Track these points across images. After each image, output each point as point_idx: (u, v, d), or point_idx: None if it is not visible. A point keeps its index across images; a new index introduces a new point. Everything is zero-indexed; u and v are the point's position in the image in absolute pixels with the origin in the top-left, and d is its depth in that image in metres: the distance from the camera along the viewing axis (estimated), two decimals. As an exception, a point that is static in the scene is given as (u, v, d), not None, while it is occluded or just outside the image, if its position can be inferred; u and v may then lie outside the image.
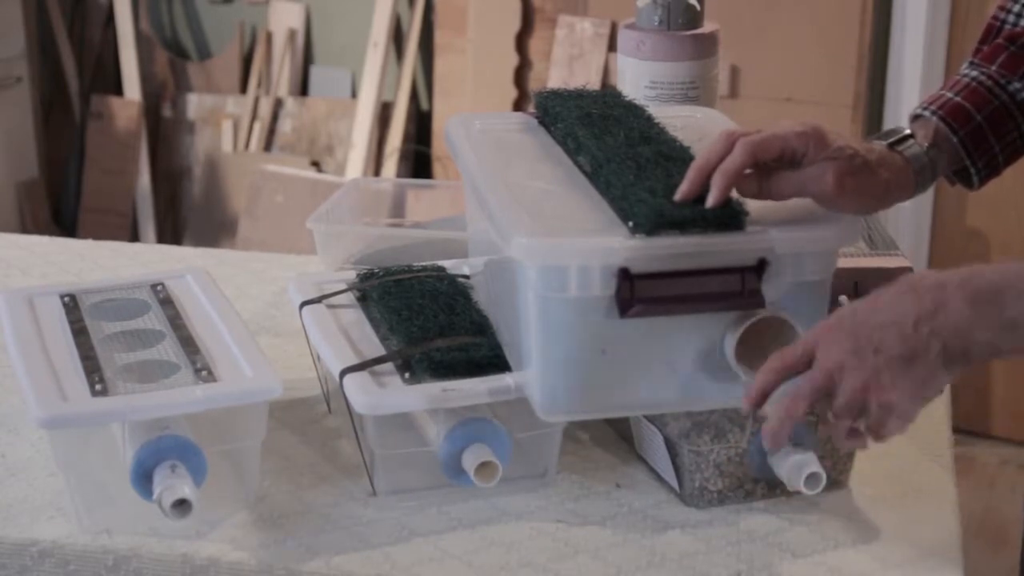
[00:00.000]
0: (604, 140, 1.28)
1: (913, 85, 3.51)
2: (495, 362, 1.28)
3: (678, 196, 1.17)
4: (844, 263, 1.35)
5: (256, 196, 4.09)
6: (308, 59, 4.33)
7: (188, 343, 1.33)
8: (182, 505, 1.19)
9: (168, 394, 1.23)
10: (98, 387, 1.24)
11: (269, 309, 1.73)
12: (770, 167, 1.20)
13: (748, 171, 1.18)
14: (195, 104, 4.37)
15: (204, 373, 1.27)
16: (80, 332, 1.36)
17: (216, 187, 4.32)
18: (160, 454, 1.21)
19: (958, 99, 1.32)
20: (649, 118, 1.35)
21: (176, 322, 1.38)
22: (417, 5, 4.10)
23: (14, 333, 1.36)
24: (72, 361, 1.30)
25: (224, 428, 1.26)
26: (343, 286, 1.46)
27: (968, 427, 3.60)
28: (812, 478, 1.26)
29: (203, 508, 1.21)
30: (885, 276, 1.47)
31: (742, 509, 1.30)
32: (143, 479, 1.21)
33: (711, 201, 1.16)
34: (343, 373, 1.28)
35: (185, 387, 1.24)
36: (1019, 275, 0.98)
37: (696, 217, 1.14)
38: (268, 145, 4.28)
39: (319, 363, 1.45)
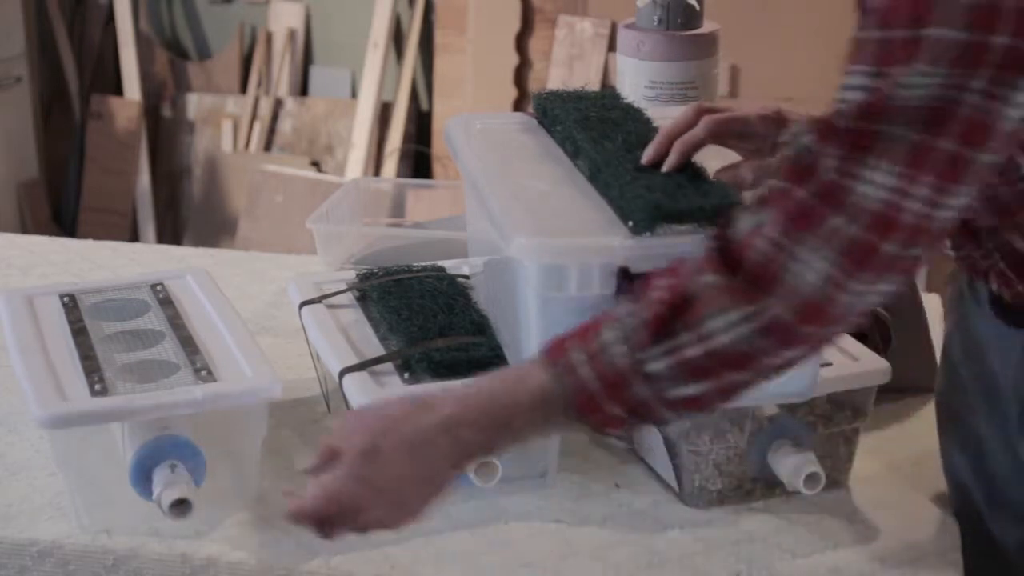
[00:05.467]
0: (603, 144, 1.28)
1: (913, 85, 3.51)
2: (495, 362, 1.28)
3: (644, 159, 1.23)
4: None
5: (256, 196, 4.09)
6: (308, 59, 4.33)
7: (188, 343, 1.33)
8: (182, 505, 1.19)
9: (168, 394, 1.23)
10: (98, 387, 1.24)
11: (269, 309, 1.73)
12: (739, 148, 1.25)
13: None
14: (195, 104, 4.37)
15: (204, 373, 1.27)
16: (80, 332, 1.36)
17: (216, 187, 4.32)
18: (160, 454, 1.21)
19: None
20: (648, 121, 1.35)
21: (176, 322, 1.38)
22: (417, 5, 4.10)
23: (14, 333, 1.36)
24: (72, 361, 1.30)
25: (224, 428, 1.26)
26: (343, 286, 1.46)
27: (968, 427, 3.59)
28: (811, 478, 1.26)
29: (203, 508, 1.21)
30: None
31: (741, 509, 1.30)
32: (143, 479, 1.21)
33: (666, 166, 1.21)
34: (343, 373, 1.28)
35: (185, 387, 1.24)
36: (511, 397, 1.03)
37: (693, 209, 1.14)
38: (268, 145, 4.28)
39: (319, 363, 1.45)
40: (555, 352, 1.03)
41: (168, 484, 1.19)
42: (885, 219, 0.93)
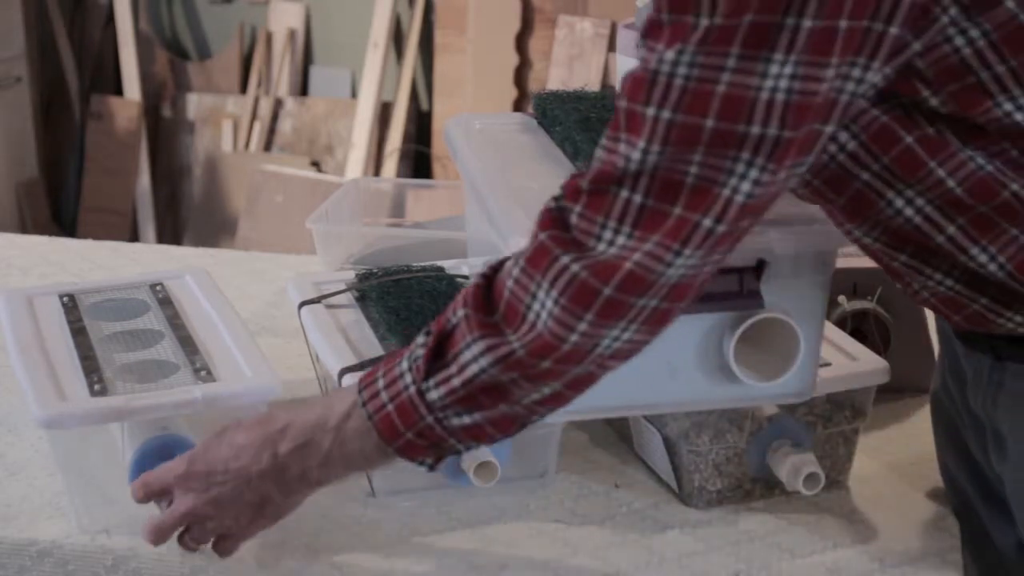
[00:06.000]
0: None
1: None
2: (494, 362, 1.28)
3: None
4: (843, 263, 1.36)
5: (256, 196, 4.09)
6: (308, 59, 4.33)
7: (187, 343, 1.33)
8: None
9: (167, 394, 1.23)
10: (97, 387, 1.24)
11: (269, 309, 1.73)
12: None
13: None
14: (195, 104, 4.37)
15: (203, 373, 1.27)
16: (79, 332, 1.36)
17: (216, 187, 4.32)
18: (159, 453, 1.21)
19: None
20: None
21: (175, 322, 1.38)
22: (417, 5, 4.10)
23: (13, 333, 1.36)
24: (71, 361, 1.30)
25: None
26: (342, 286, 1.46)
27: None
28: (810, 478, 1.26)
29: (202, 508, 1.21)
30: (884, 277, 1.48)
31: (741, 509, 1.30)
32: (142, 478, 1.21)
33: None
34: (342, 373, 1.28)
35: (184, 387, 1.24)
36: (324, 417, 1.11)
37: None
38: (268, 145, 4.28)
39: (318, 363, 1.45)
40: (367, 377, 1.10)
41: None
42: (610, 267, 0.98)
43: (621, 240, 0.98)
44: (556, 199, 1.01)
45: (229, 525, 1.16)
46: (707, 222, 0.97)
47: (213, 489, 1.14)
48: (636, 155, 0.96)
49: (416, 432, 1.07)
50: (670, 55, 0.95)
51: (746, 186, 0.96)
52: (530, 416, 1.07)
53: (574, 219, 1.00)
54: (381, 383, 1.08)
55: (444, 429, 1.06)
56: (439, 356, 1.05)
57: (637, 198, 0.97)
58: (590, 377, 1.05)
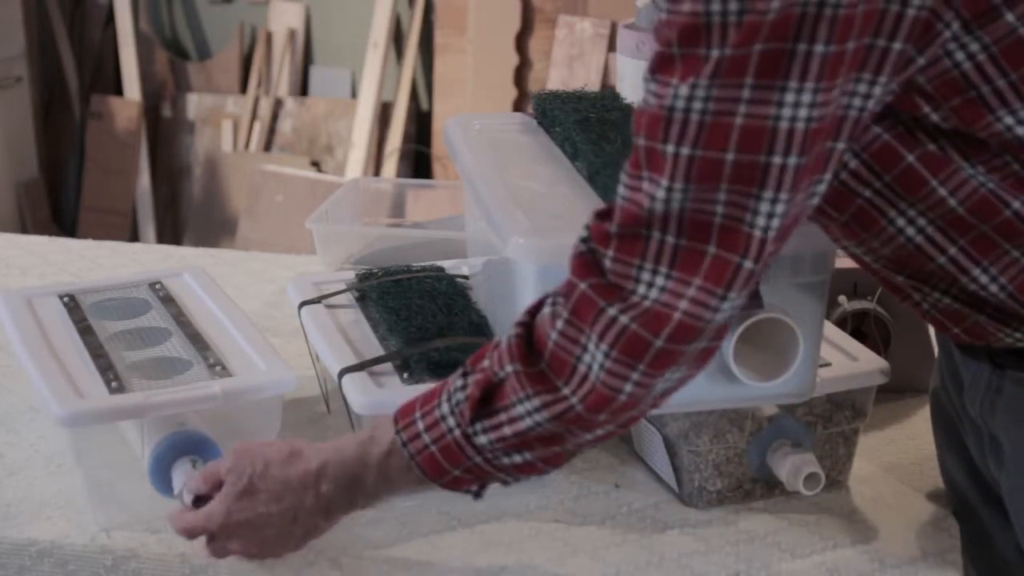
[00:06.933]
0: (601, 146, 1.28)
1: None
2: (494, 362, 1.28)
3: None
4: (843, 263, 1.35)
5: (256, 196, 4.09)
6: (308, 59, 4.33)
7: (196, 339, 1.33)
8: (203, 501, 1.18)
9: (187, 389, 1.23)
10: (114, 384, 1.24)
11: (269, 309, 1.73)
12: None
13: None
14: (195, 104, 4.37)
15: (218, 368, 1.27)
16: (86, 331, 1.36)
17: (216, 187, 4.32)
18: (178, 449, 1.21)
19: None
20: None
21: (180, 319, 1.38)
22: (417, 5, 4.10)
23: (19, 333, 1.35)
24: (82, 360, 1.30)
25: (237, 422, 1.26)
26: (342, 286, 1.46)
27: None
28: (811, 478, 1.26)
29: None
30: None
31: (741, 509, 1.30)
32: (162, 475, 1.21)
33: None
34: (342, 373, 1.28)
35: (202, 382, 1.24)
36: (365, 455, 1.12)
37: None
38: (268, 145, 4.28)
39: (318, 363, 1.45)
40: (403, 416, 1.10)
41: (190, 479, 1.19)
42: (659, 317, 0.98)
43: (660, 281, 0.97)
44: (585, 242, 1.00)
45: (274, 551, 1.18)
46: (748, 264, 0.97)
47: (260, 532, 1.15)
48: (661, 194, 0.95)
49: (464, 469, 1.09)
50: (684, 90, 0.93)
51: (774, 220, 0.96)
52: (580, 450, 1.08)
53: (608, 263, 0.99)
54: (420, 424, 1.08)
55: (493, 467, 1.08)
56: (486, 404, 1.06)
57: (670, 239, 0.96)
58: (640, 415, 1.06)
